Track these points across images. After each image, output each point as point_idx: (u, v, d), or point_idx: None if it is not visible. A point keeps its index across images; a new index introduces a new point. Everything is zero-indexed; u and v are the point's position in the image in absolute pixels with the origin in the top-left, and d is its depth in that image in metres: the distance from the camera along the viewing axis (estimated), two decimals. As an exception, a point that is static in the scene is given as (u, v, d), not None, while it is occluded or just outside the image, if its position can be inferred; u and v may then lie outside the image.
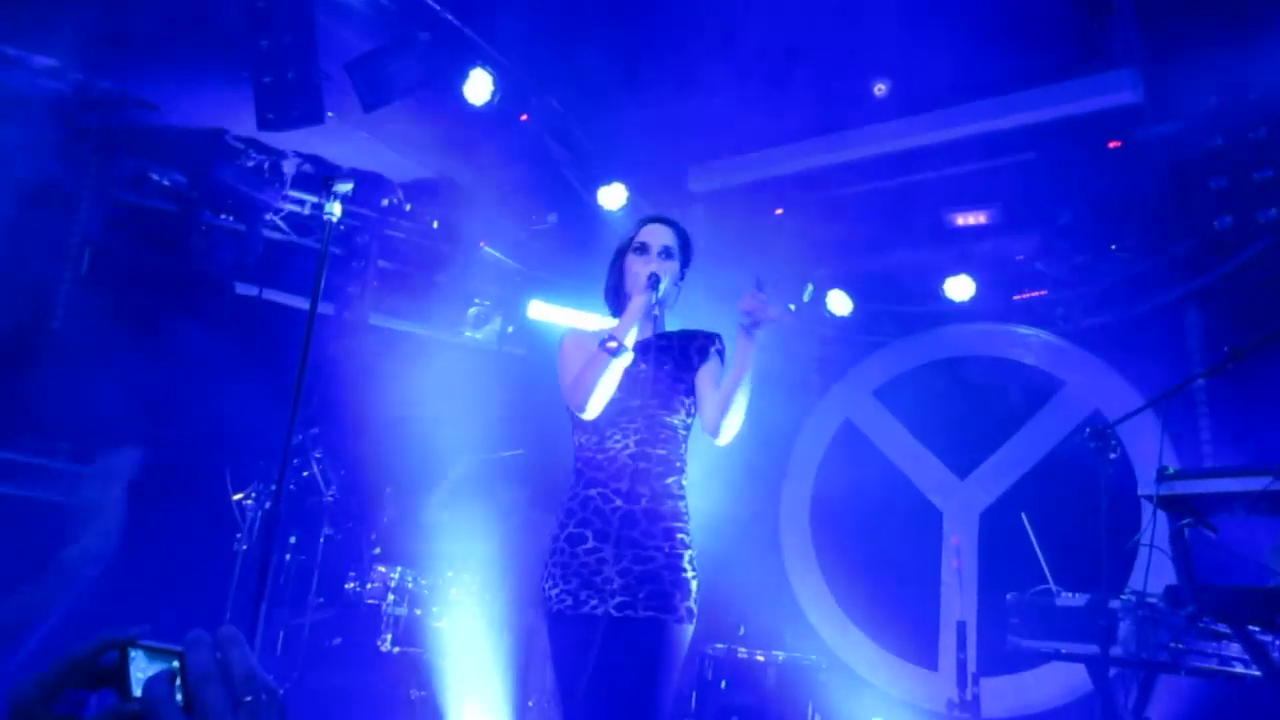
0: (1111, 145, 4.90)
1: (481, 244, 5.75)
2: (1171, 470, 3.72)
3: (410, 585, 5.03)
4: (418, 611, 5.02)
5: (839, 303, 5.95)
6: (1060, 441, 5.30)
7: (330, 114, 4.97)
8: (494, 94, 5.06)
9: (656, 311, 2.69)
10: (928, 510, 5.73)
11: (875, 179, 5.34)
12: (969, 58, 4.69)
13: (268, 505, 2.64)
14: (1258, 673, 3.56)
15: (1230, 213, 4.64)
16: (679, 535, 2.42)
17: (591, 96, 5.23)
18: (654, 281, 2.58)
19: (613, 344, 2.51)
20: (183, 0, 4.51)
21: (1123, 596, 3.77)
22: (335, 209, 3.13)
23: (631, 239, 2.72)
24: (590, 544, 2.42)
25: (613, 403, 2.58)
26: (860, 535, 5.72)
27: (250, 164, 5.43)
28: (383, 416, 5.82)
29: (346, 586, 5.12)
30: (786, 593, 5.91)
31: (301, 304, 5.40)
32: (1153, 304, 5.11)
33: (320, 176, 2.99)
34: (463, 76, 5.02)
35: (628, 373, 2.59)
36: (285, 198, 5.62)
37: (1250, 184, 4.62)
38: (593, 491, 2.48)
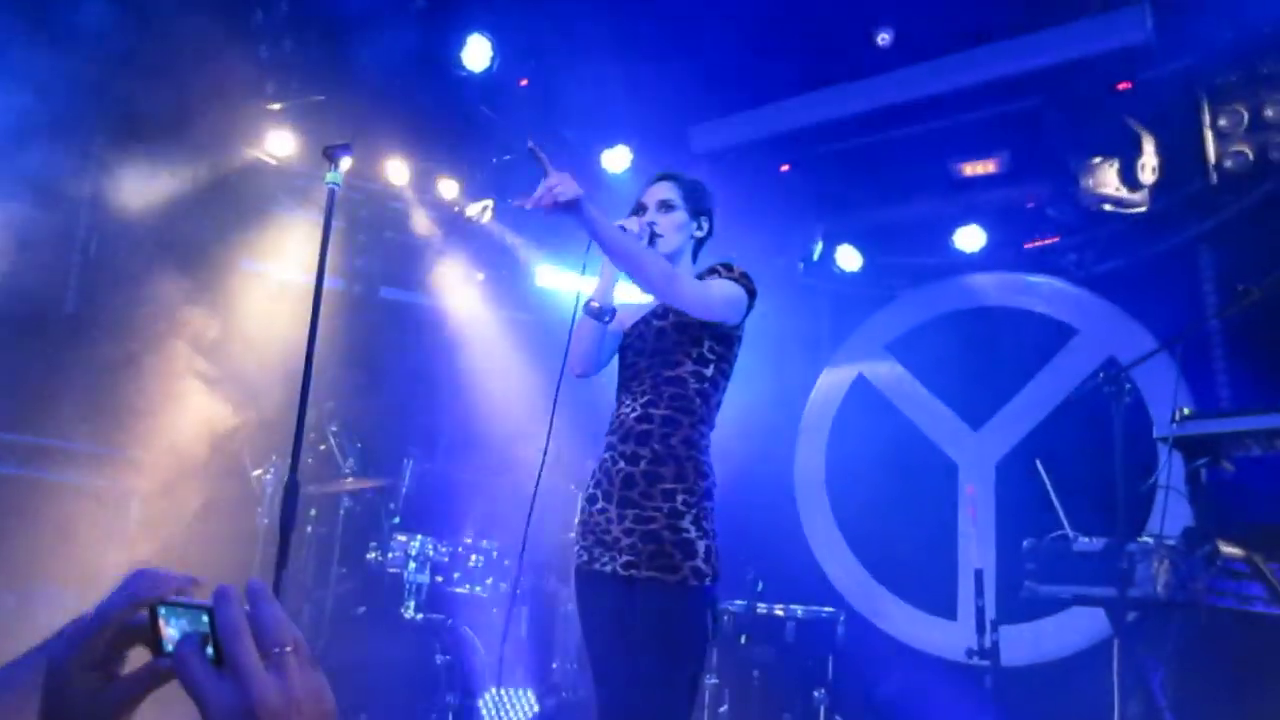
0: (1121, 87, 4.83)
1: (487, 211, 5.73)
2: (1187, 411, 3.71)
3: (431, 553, 5.08)
4: (439, 579, 5.08)
5: (848, 258, 5.92)
6: (1075, 388, 5.27)
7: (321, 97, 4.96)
8: (492, 60, 5.03)
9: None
10: (943, 462, 5.73)
11: (881, 131, 5.28)
12: (971, 3, 4.63)
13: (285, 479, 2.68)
14: (1277, 610, 3.57)
15: (1242, 151, 4.59)
16: (680, 496, 2.38)
17: (590, 59, 5.18)
18: (642, 235, 2.53)
19: (595, 305, 2.55)
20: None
21: (1140, 539, 3.77)
22: (337, 177, 3.11)
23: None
24: (600, 504, 2.48)
25: (625, 366, 2.60)
26: (876, 489, 5.72)
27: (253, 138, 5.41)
28: (398, 388, 5.86)
29: (368, 556, 5.18)
30: (803, 548, 5.94)
31: (311, 280, 5.41)
32: (1165, 246, 5.05)
33: (324, 149, 2.96)
34: (460, 43, 4.99)
35: (636, 334, 2.60)
36: (291, 172, 5.61)
37: (1262, 120, 4.56)
38: (606, 454, 2.53)
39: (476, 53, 5.01)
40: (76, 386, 4.86)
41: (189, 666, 0.71)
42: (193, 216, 5.23)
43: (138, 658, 0.79)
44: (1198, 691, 4.22)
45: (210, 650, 0.72)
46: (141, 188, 5.04)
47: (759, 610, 4.60)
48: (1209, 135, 4.60)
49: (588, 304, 2.58)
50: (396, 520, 5.30)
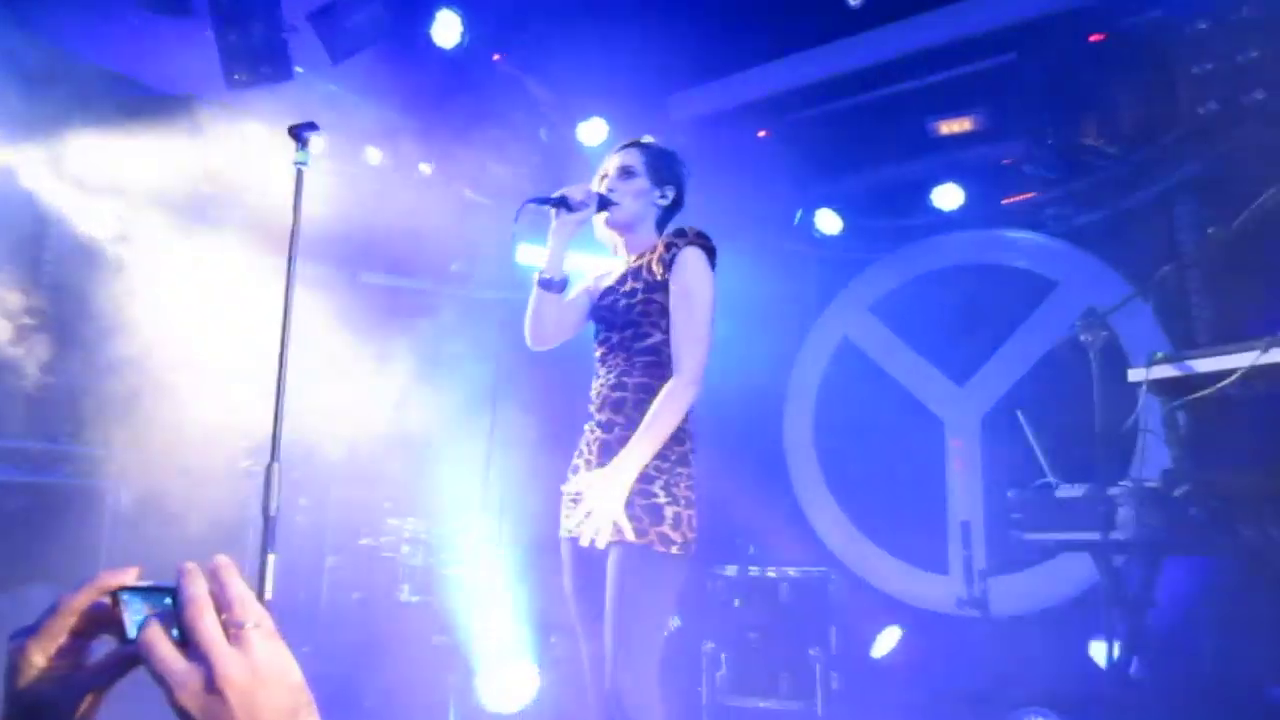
0: (1093, 38, 4.84)
1: (465, 191, 5.72)
2: (1160, 354, 3.74)
3: (424, 536, 5.12)
4: (433, 560, 5.11)
5: (828, 221, 5.93)
6: (1057, 342, 5.31)
7: (299, 69, 4.93)
8: (463, 35, 5.00)
9: (617, 234, 2.65)
10: (930, 419, 5.77)
11: (857, 93, 5.29)
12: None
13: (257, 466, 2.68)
14: (1258, 545, 3.61)
15: (1215, 98, 4.59)
16: (653, 462, 2.37)
17: (564, 31, 5.16)
18: (564, 202, 2.51)
19: (546, 276, 2.55)
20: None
21: (1121, 483, 3.81)
22: (305, 159, 3.09)
23: None
24: (581, 473, 2.50)
25: (600, 340, 2.60)
26: (865, 449, 5.77)
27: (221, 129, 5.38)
28: (385, 373, 5.87)
29: (361, 541, 5.22)
30: (795, 510, 5.99)
31: (302, 272, 5.40)
32: (1142, 196, 5.07)
33: (289, 128, 2.95)
34: (429, 19, 4.96)
35: (605, 307, 2.59)
36: (267, 160, 5.59)
37: (1234, 66, 4.56)
38: (586, 425, 2.56)
39: (446, 28, 4.98)
40: (59, 386, 4.86)
41: (151, 646, 0.70)
42: (168, 205, 5.21)
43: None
44: (1184, 629, 4.29)
45: (176, 632, 0.71)
46: (114, 178, 5.02)
47: (752, 573, 4.65)
48: (1182, 84, 4.61)
49: (539, 276, 2.57)
50: (388, 505, 5.33)
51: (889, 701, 4.42)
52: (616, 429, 2.44)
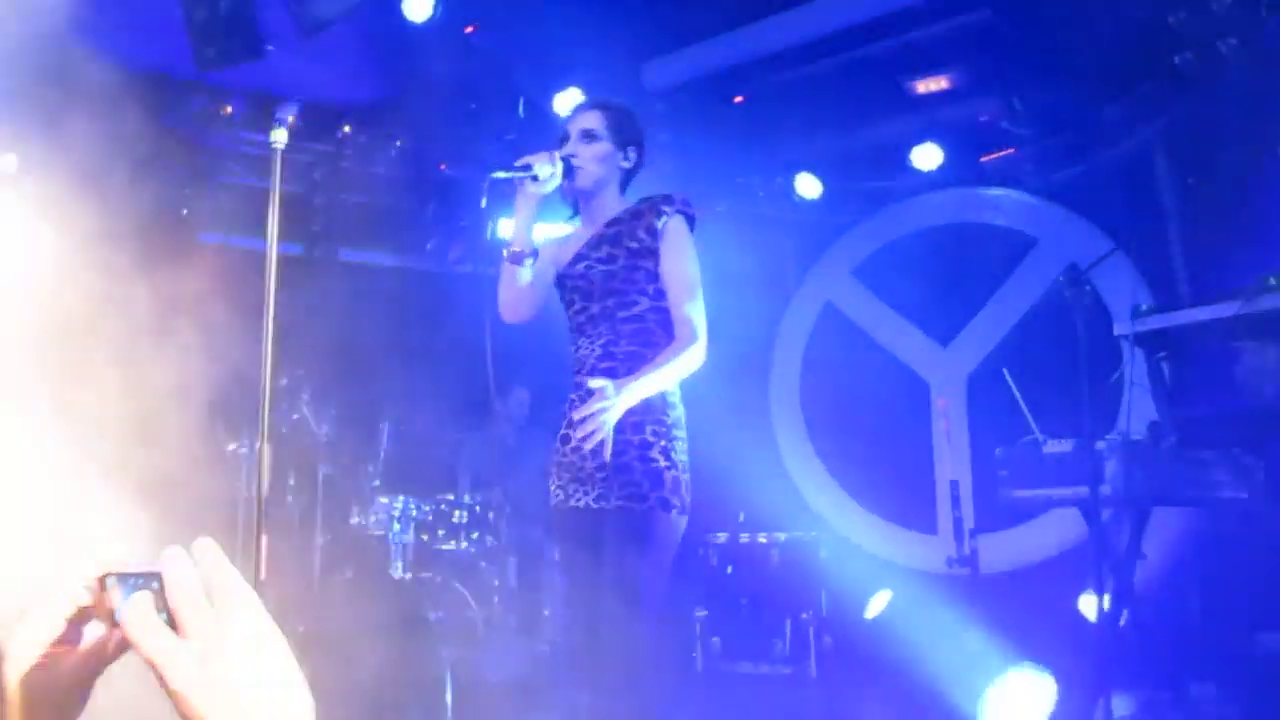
0: (1067, -9, 4.81)
1: (442, 165, 5.66)
2: (1144, 307, 3.76)
3: (414, 512, 5.11)
4: (424, 537, 5.11)
5: (808, 185, 5.90)
6: (1039, 298, 5.33)
7: (269, 48, 4.84)
8: (435, 8, 4.92)
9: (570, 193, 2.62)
10: (915, 381, 5.78)
11: (832, 54, 5.24)
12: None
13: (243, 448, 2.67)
14: (1244, 495, 3.65)
15: (1190, 47, 4.58)
16: (649, 427, 2.39)
17: (537, 2, 5.09)
18: (531, 172, 2.46)
19: (515, 249, 2.51)
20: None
21: (1108, 437, 3.84)
22: (280, 136, 3.03)
23: None
24: (573, 442, 2.45)
25: (576, 310, 2.57)
26: (851, 413, 5.79)
27: (197, 108, 5.31)
28: (368, 351, 5.82)
29: (351, 520, 5.20)
30: (783, 476, 6.01)
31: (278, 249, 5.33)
32: (1120, 149, 5.07)
33: (269, 110, 2.90)
34: (403, -7, 4.88)
35: (578, 274, 2.55)
36: (239, 139, 5.52)
37: (1209, 14, 4.54)
38: (574, 395, 2.53)
39: (419, 2, 4.90)
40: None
41: (138, 628, 0.69)
42: (142, 185, 5.13)
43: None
44: (1172, 579, 4.34)
45: (164, 616, 0.70)
46: (86, 155, 4.94)
47: (742, 540, 4.68)
48: (1159, 35, 4.59)
49: (507, 250, 2.53)
50: (377, 483, 5.30)
51: (882, 662, 4.46)
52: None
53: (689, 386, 2.55)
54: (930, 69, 5.23)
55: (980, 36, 4.99)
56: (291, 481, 5.28)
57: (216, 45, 4.70)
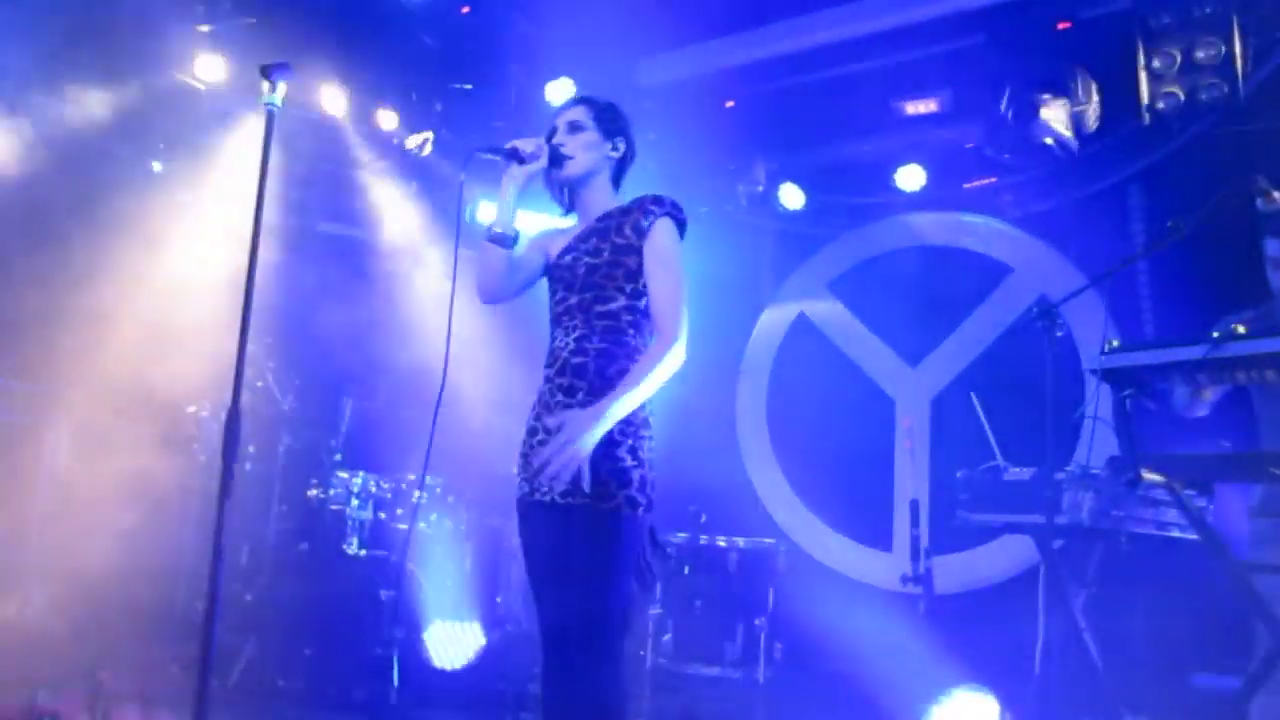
0: (1061, 26, 4.89)
1: (427, 144, 5.61)
2: (1114, 343, 3.82)
3: (373, 490, 5.07)
4: (381, 515, 5.07)
5: (791, 196, 5.93)
6: (1009, 326, 5.41)
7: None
8: (432, -14, 4.89)
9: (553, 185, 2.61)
10: (881, 399, 5.84)
11: (825, 68, 5.29)
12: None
13: (223, 416, 2.60)
14: (1194, 536, 3.74)
15: (1174, 92, 4.68)
16: (617, 427, 2.35)
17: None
18: (515, 154, 2.48)
19: (497, 230, 2.52)
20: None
21: (1067, 468, 3.90)
22: (277, 97, 2.96)
23: None
24: (540, 435, 2.45)
25: (557, 300, 2.55)
26: (816, 426, 5.83)
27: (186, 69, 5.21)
28: (337, 324, 5.76)
29: (309, 494, 5.14)
30: (746, 482, 6.04)
31: (245, 212, 5.24)
32: (1098, 186, 5.16)
33: (261, 68, 2.84)
34: (399, -32, 4.84)
35: (564, 266, 2.54)
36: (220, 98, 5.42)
37: (1194, 63, 4.64)
38: (544, 387, 2.51)
39: (416, -21, 4.87)
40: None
41: None
42: (119, 145, 5.04)
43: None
44: (1118, 613, 4.43)
45: None
46: (64, 115, 4.84)
47: (701, 541, 4.69)
48: (1143, 76, 4.68)
49: (489, 231, 2.53)
50: (338, 458, 5.25)
51: (830, 673, 4.51)
52: (580, 393, 2.41)
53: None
54: (920, 91, 5.30)
55: (972, 63, 5.06)
56: (251, 449, 5.22)
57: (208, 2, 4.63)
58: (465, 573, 5.11)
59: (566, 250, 2.55)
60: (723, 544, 4.66)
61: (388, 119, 5.75)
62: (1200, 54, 4.63)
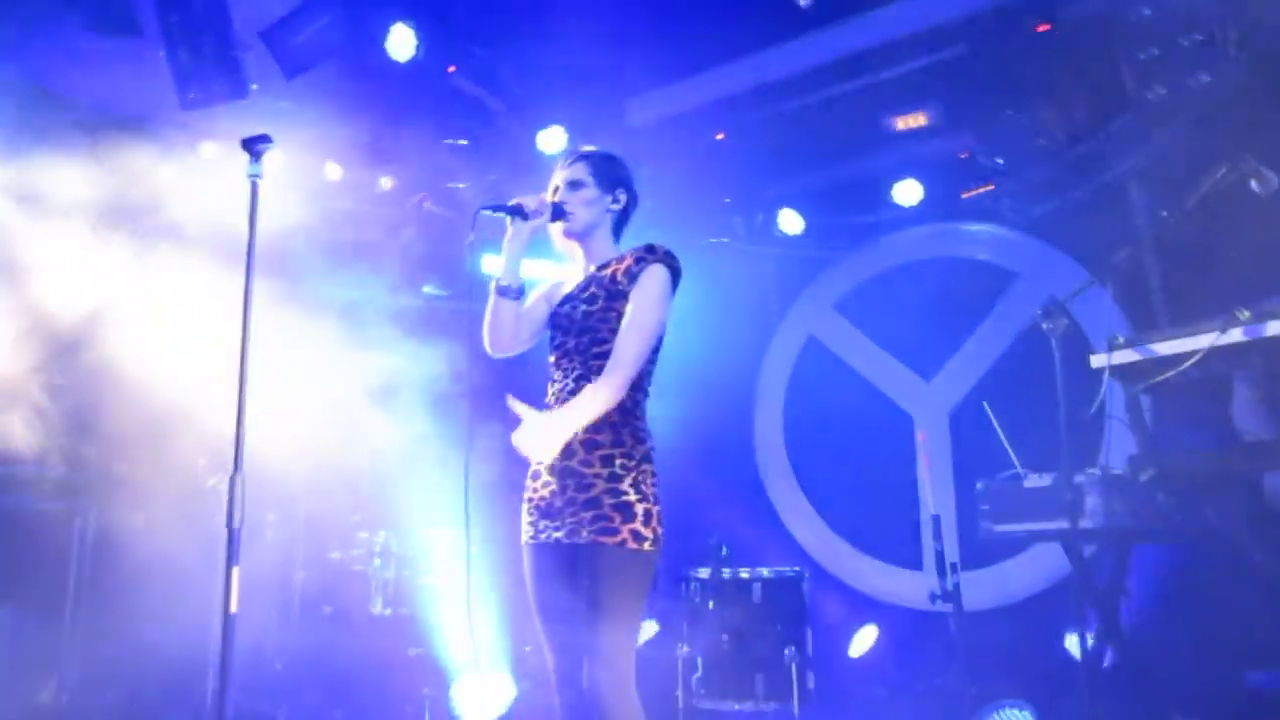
0: (1040, 29, 4.87)
1: (426, 204, 5.69)
2: (1120, 339, 3.76)
3: (395, 548, 5.08)
4: (405, 572, 5.07)
5: (790, 221, 5.94)
6: (1021, 332, 5.34)
7: (254, 86, 4.89)
8: (418, 48, 4.97)
9: (569, 242, 2.68)
10: (898, 416, 5.78)
11: (810, 92, 5.30)
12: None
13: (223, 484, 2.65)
14: (1226, 528, 3.62)
15: (1162, 82, 4.63)
16: (618, 461, 2.42)
17: (518, 42, 5.15)
18: (518, 210, 2.57)
19: (504, 283, 2.61)
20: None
21: (1088, 470, 3.82)
22: (258, 171, 3.04)
23: None
24: (543, 478, 2.51)
25: (556, 345, 2.62)
26: (835, 446, 5.77)
27: (176, 149, 5.33)
28: (350, 387, 5.81)
29: (331, 556, 5.16)
30: (767, 510, 5.98)
31: (261, 288, 5.33)
32: (1096, 184, 5.11)
33: (243, 141, 2.92)
34: (384, 33, 4.93)
35: (564, 314, 2.62)
36: (221, 179, 5.53)
37: (1180, 51, 4.60)
38: None
39: (400, 42, 4.95)
40: (17, 410, 4.79)
41: None
42: (119, 225, 5.15)
43: None
44: (1159, 615, 4.30)
45: None
46: (71, 198, 4.96)
47: (724, 575, 4.62)
48: (1127, 70, 4.65)
49: (496, 284, 2.62)
50: (357, 519, 5.27)
51: (865, 700, 4.40)
52: (579, 433, 2.44)
53: (673, 421, 2.56)
54: (909, 105, 5.29)
55: (957, 73, 5.05)
56: (271, 517, 5.24)
57: (200, 86, 4.75)
58: (493, 624, 5.08)
59: (567, 299, 2.63)
60: (745, 575, 4.59)
61: (385, 181, 5.84)
62: (1185, 42, 4.58)
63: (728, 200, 5.88)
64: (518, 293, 2.61)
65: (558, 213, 2.60)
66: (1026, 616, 4.90)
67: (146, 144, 5.09)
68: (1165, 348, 3.63)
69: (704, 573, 4.68)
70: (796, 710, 4.31)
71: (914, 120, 5.32)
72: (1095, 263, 5.05)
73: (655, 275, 2.53)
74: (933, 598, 4.24)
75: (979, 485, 4.12)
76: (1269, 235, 3.89)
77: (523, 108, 5.54)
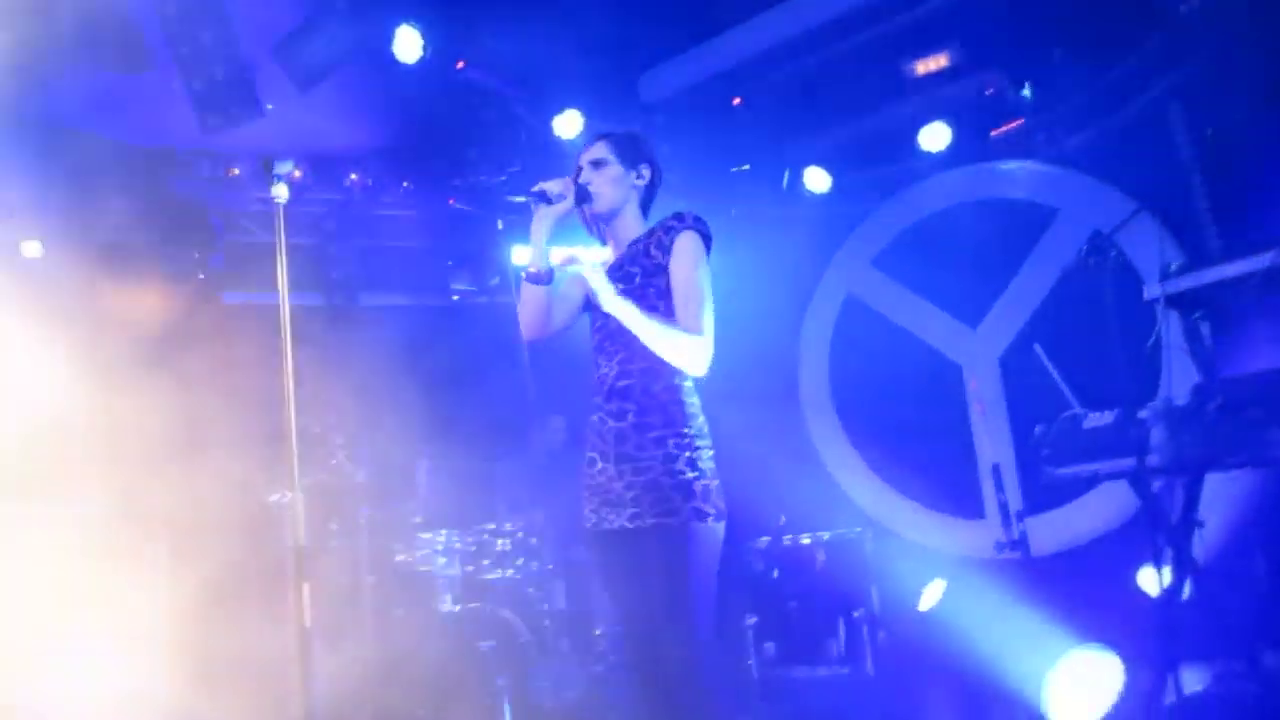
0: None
1: (450, 201, 5.70)
2: (1173, 267, 3.64)
3: (458, 545, 5.13)
4: (469, 568, 5.12)
5: (816, 180, 5.83)
6: (1066, 270, 5.19)
7: (269, 106, 4.92)
8: (425, 48, 4.96)
9: (593, 221, 2.70)
10: (947, 366, 5.68)
11: (825, 46, 5.19)
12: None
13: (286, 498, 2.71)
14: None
15: (1194, -6, 4.45)
16: (671, 441, 2.43)
17: (524, 28, 5.10)
18: (542, 196, 2.57)
19: (532, 270, 2.61)
20: (93, 22, 4.44)
21: (1150, 404, 3.72)
22: (282, 191, 3.08)
23: None
24: (599, 465, 2.52)
25: (597, 329, 2.62)
26: (886, 403, 5.69)
27: (205, 174, 5.41)
28: (397, 391, 5.87)
29: (396, 559, 5.23)
30: (822, 474, 5.92)
31: (297, 301, 5.37)
32: (1133, 107, 4.93)
33: (264, 163, 2.96)
34: (390, 37, 4.92)
35: None
36: (252, 199, 5.60)
37: (1212, -41, 4.41)
38: (594, 416, 2.57)
39: (407, 44, 4.94)
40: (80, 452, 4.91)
41: None
42: (161, 255, 5.24)
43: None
44: (1235, 549, 4.19)
45: None
46: (104, 241, 5.05)
47: (785, 542, 4.61)
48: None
49: (526, 271, 2.63)
50: (418, 520, 5.34)
51: (940, 654, 4.36)
52: (630, 415, 2.47)
53: (719, 394, 2.56)
54: (928, 48, 5.15)
55: (975, 8, 4.90)
56: (334, 526, 5.33)
57: (217, 110, 4.79)
58: (560, 611, 5.12)
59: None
60: (807, 541, 4.58)
61: (409, 183, 5.86)
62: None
63: (746, 167, 5.79)
64: (547, 278, 2.61)
65: (582, 194, 2.60)
66: (1097, 557, 4.80)
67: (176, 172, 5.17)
68: (1221, 272, 3.50)
69: (764, 542, 4.68)
70: (871, 670, 4.30)
71: (935, 63, 5.19)
72: (1139, 190, 4.89)
73: (687, 240, 2.53)
74: (999, 547, 4.19)
75: (1037, 429, 4.02)
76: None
77: (536, 95, 5.51)
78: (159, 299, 5.28)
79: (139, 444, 4.97)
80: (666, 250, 2.53)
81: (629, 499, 2.42)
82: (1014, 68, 5.12)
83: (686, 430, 2.45)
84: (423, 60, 4.93)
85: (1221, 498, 4.10)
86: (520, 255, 6.09)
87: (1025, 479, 5.02)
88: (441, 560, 5.08)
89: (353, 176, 5.69)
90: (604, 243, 2.74)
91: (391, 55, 4.92)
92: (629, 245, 2.62)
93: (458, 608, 4.99)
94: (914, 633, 4.53)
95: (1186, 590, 3.82)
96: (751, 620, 4.58)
